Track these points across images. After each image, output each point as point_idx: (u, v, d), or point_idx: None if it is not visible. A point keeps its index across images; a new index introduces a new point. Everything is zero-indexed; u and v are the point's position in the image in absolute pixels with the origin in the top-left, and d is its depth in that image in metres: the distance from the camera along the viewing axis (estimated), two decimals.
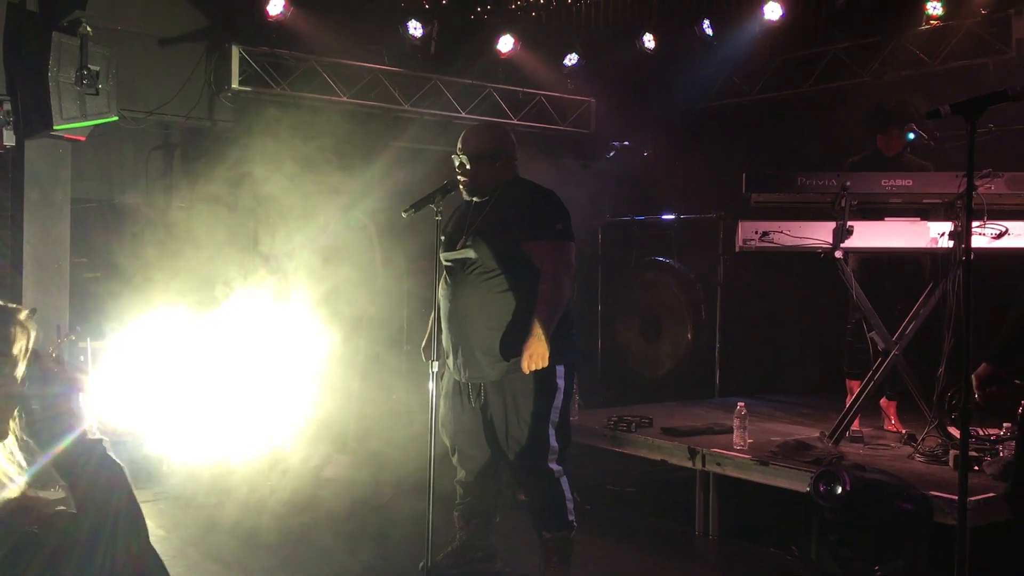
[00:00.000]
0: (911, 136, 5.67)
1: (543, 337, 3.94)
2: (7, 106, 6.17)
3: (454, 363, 4.22)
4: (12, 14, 6.21)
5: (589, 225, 8.64)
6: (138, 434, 6.07)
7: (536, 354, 3.92)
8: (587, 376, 8.25)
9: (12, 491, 1.86)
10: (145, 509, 5.43)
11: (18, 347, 1.86)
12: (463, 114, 8.57)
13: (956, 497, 3.28)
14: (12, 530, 1.76)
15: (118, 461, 1.94)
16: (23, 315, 1.90)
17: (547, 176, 4.48)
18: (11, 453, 1.89)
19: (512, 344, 4.01)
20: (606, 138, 9.33)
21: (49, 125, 5.89)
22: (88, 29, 5.93)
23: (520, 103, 9.07)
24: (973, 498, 3.92)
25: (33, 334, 1.89)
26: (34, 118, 6.03)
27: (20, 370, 1.85)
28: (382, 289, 6.76)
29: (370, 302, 6.30)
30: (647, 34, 8.44)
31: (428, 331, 4.47)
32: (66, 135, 6.10)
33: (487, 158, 4.18)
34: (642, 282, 9.00)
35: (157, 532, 5.08)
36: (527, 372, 3.96)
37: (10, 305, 1.90)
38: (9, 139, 6.19)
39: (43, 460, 2.12)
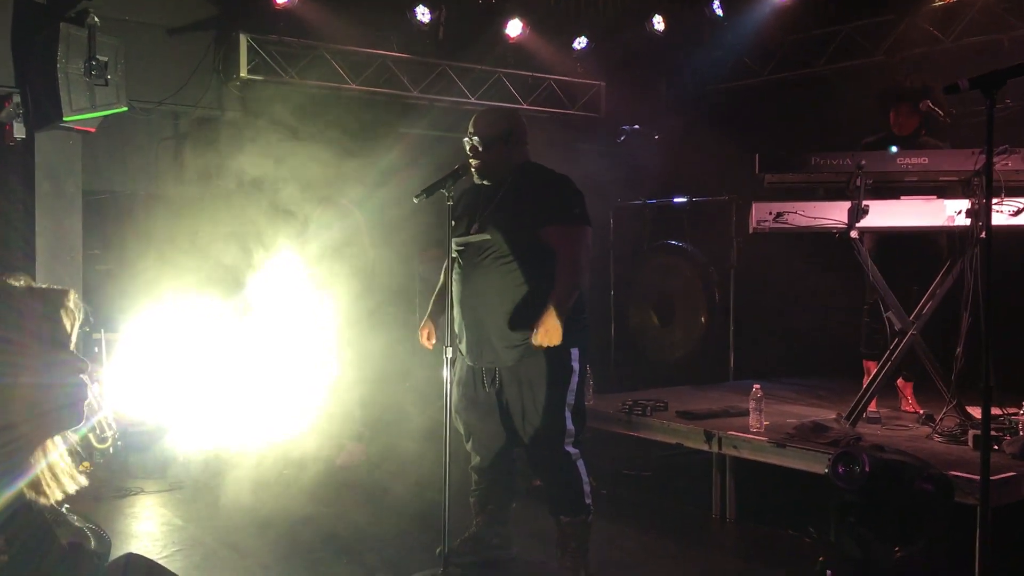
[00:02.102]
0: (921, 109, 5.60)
1: (559, 315, 3.91)
2: (17, 98, 6.18)
3: (467, 348, 4.20)
4: (20, 6, 6.20)
5: (600, 210, 8.58)
6: (153, 424, 6.10)
7: (551, 329, 3.89)
8: (601, 361, 8.23)
9: (72, 487, 1.85)
10: (162, 499, 5.46)
11: (73, 331, 1.87)
12: (473, 100, 8.53)
13: (976, 477, 3.25)
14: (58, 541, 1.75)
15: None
16: (72, 299, 1.90)
17: (558, 161, 4.45)
18: (70, 446, 1.88)
19: (526, 319, 3.99)
20: (617, 122, 9.27)
21: (59, 117, 5.88)
22: (96, 20, 5.91)
23: (530, 88, 9.02)
24: (993, 477, 3.87)
25: (80, 317, 1.90)
26: (44, 110, 6.03)
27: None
28: (385, 276, 6.72)
29: (372, 290, 6.28)
30: (656, 16, 8.39)
31: (427, 313, 4.46)
32: (76, 126, 6.10)
33: (498, 140, 4.17)
34: (655, 266, 8.96)
35: (174, 521, 5.10)
36: (540, 346, 3.93)
37: (57, 287, 1.90)
38: (19, 131, 6.19)
39: (59, 449, 2.11)
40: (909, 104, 5.63)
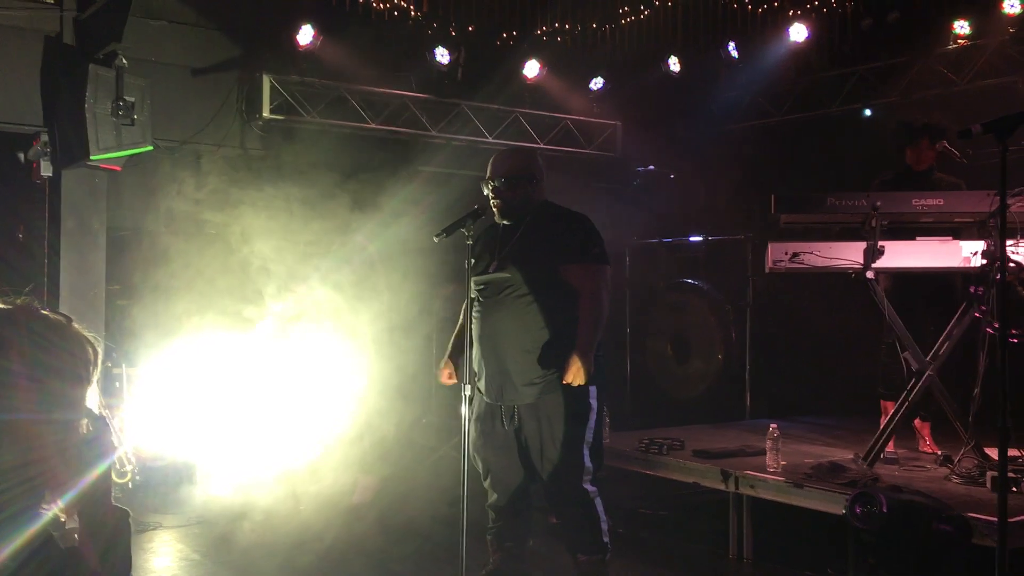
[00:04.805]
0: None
1: (587, 353, 3.97)
2: (44, 137, 6.30)
3: (486, 385, 4.23)
4: (49, 47, 6.35)
5: (616, 248, 8.63)
6: (172, 459, 6.13)
7: (581, 368, 3.94)
8: (617, 399, 8.23)
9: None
10: (179, 534, 5.47)
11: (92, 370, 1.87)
12: (490, 139, 8.63)
13: (995, 519, 3.24)
14: (54, 550, 1.77)
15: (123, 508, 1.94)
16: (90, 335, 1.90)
17: (573, 200, 4.50)
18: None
19: (545, 357, 4.04)
20: (632, 161, 9.35)
21: (86, 155, 6.00)
22: (124, 61, 6.05)
23: (546, 127, 9.13)
24: (1011, 519, 3.86)
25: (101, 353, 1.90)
26: (71, 149, 6.15)
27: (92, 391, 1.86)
28: (401, 311, 6.77)
29: (386, 324, 6.32)
30: (672, 57, 8.50)
31: (448, 352, 4.49)
32: (102, 165, 6.21)
33: (521, 180, 4.23)
34: (671, 304, 8.98)
35: (192, 556, 5.11)
36: (573, 384, 3.97)
37: (85, 332, 1.89)
38: (46, 169, 6.32)
39: (80, 485, 2.13)
40: (926, 140, 5.66)
